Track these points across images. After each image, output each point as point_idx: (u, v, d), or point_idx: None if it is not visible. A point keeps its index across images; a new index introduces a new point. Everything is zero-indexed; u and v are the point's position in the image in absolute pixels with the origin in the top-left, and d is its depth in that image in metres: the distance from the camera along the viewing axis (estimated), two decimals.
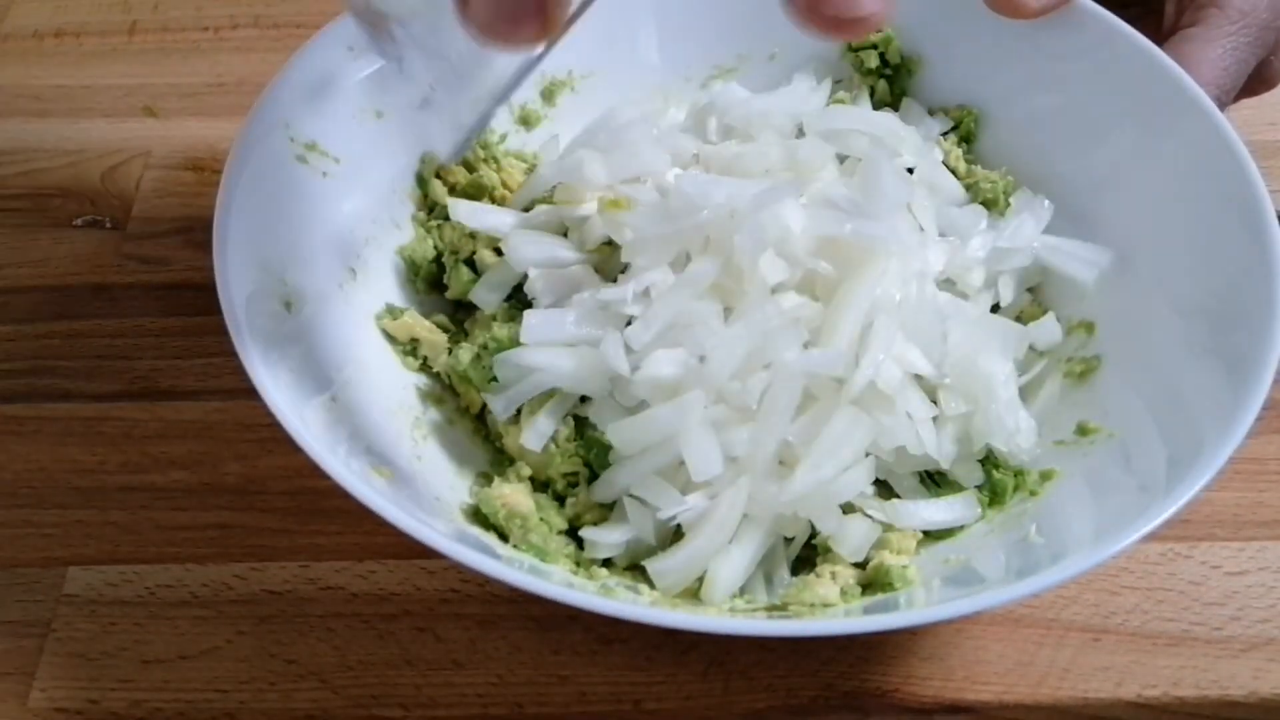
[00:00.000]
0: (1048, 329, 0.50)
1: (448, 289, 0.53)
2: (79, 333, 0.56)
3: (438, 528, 0.39)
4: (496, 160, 0.55)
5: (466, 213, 0.52)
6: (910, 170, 0.53)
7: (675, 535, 0.46)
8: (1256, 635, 0.47)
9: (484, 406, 0.49)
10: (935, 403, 0.47)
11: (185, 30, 0.69)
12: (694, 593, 0.44)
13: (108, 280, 0.58)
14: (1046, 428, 0.48)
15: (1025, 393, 0.49)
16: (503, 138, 0.57)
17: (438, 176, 0.54)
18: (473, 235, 0.52)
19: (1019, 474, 0.47)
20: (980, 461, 0.48)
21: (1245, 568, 0.48)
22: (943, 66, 0.58)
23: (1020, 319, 0.52)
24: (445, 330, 0.51)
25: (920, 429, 0.46)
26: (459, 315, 0.53)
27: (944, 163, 0.55)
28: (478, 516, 0.45)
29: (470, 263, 0.52)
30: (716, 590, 0.44)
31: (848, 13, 0.33)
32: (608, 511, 0.47)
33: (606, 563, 0.46)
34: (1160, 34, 0.54)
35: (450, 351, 0.50)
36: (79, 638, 0.46)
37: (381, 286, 0.51)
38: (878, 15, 0.33)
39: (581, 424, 0.48)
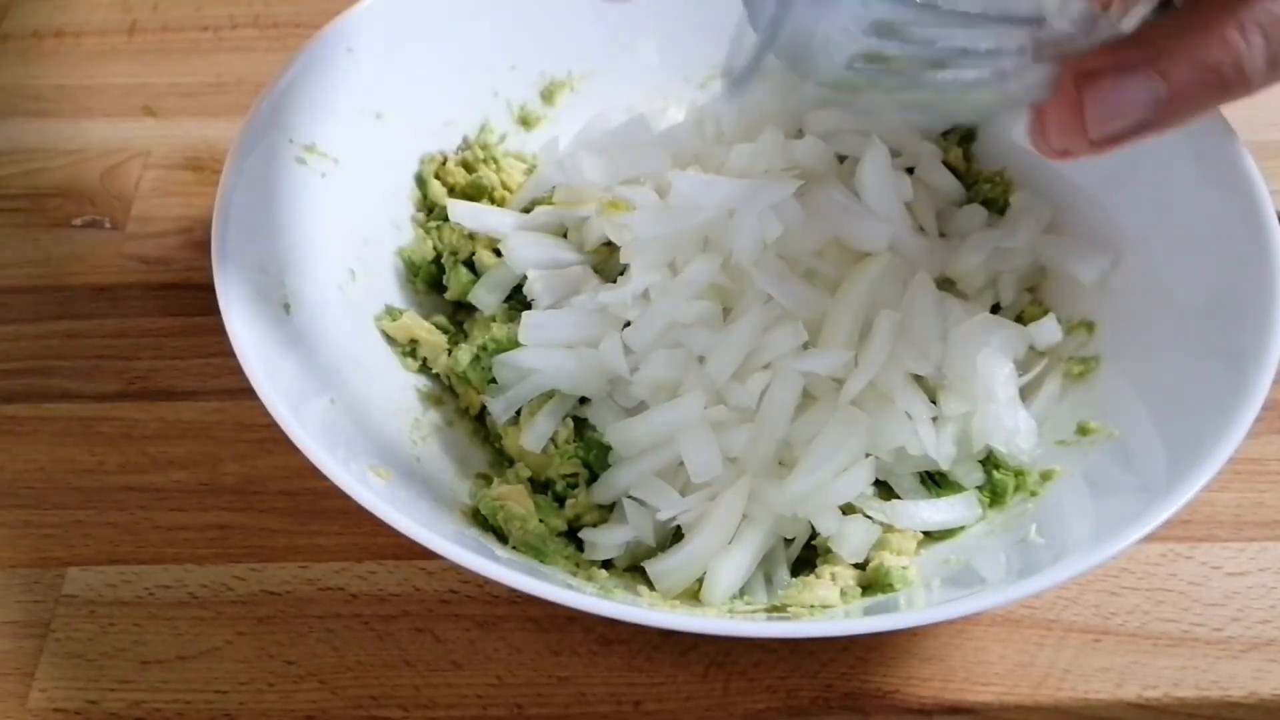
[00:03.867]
0: (1048, 329, 0.50)
1: (447, 290, 0.52)
2: (78, 333, 0.56)
3: (437, 529, 0.39)
4: (496, 161, 0.55)
5: (466, 214, 0.52)
6: (910, 170, 0.53)
7: (675, 536, 0.46)
8: (1257, 636, 0.47)
9: (483, 407, 0.49)
10: (935, 403, 0.47)
11: (185, 30, 0.69)
12: (694, 594, 0.44)
13: (107, 280, 0.58)
14: (1046, 427, 0.48)
15: (1025, 393, 0.49)
16: (502, 138, 0.57)
17: (437, 177, 0.54)
18: (472, 236, 0.52)
19: (1019, 474, 0.47)
20: (980, 462, 0.48)
21: (1245, 568, 0.48)
22: None
23: (1020, 319, 0.52)
24: (445, 331, 0.51)
25: (920, 429, 0.46)
26: (458, 316, 0.53)
27: (944, 162, 0.55)
28: (477, 518, 0.45)
29: (470, 264, 0.52)
30: (716, 591, 0.43)
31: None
32: (607, 513, 0.47)
33: (606, 564, 0.46)
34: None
35: (449, 353, 0.50)
36: (78, 638, 0.46)
37: (381, 287, 0.51)
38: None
39: (581, 425, 0.48)
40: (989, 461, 0.48)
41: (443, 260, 0.53)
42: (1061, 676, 0.45)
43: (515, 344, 0.48)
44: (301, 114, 0.49)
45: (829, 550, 0.45)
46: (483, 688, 0.45)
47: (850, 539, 0.44)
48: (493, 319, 0.50)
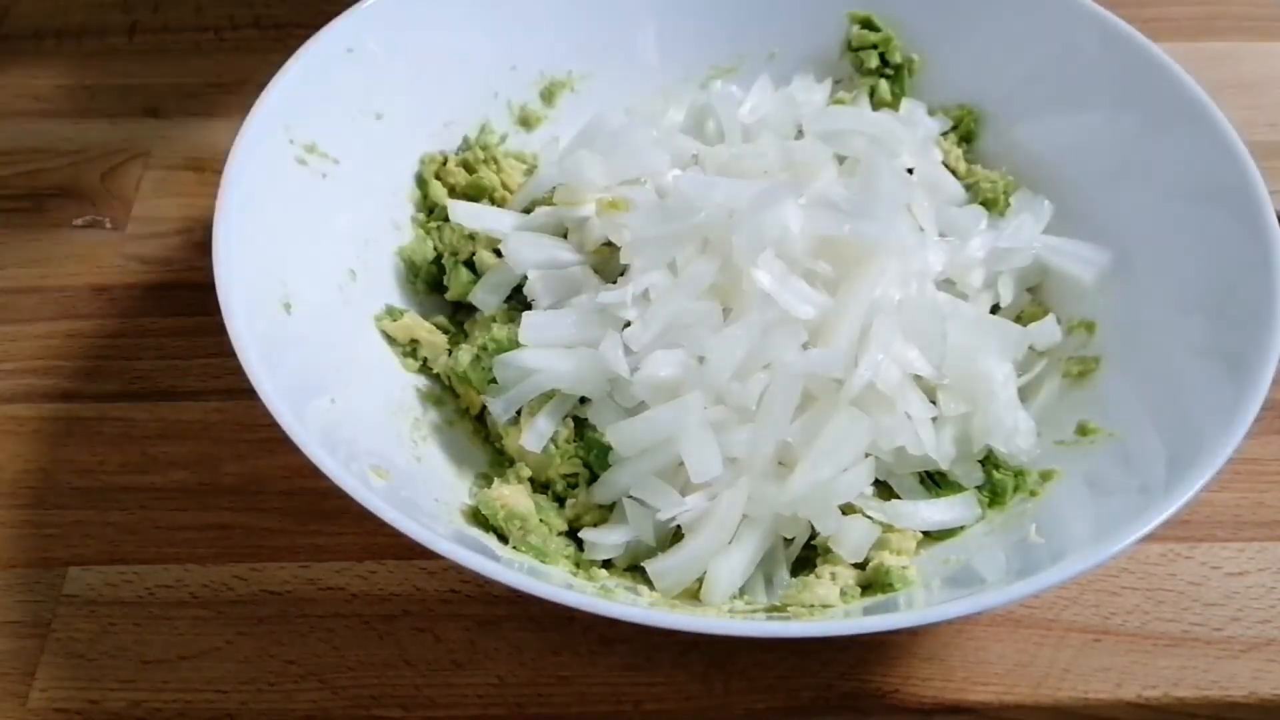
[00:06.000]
0: (1047, 329, 0.50)
1: (447, 290, 0.53)
2: (79, 333, 0.56)
3: (437, 529, 0.39)
4: (496, 161, 0.55)
5: (466, 214, 0.52)
6: (910, 170, 0.53)
7: (675, 536, 0.46)
8: (1256, 636, 0.47)
9: (484, 408, 0.49)
10: (935, 403, 0.47)
11: (185, 30, 0.69)
12: (693, 594, 0.44)
13: (108, 280, 0.58)
14: (1046, 428, 0.48)
15: (1025, 393, 0.49)
16: (503, 138, 0.57)
17: (437, 178, 0.54)
18: (472, 237, 0.52)
19: (1019, 474, 0.47)
20: (980, 462, 0.48)
21: (1245, 568, 0.48)
22: (943, 66, 0.58)
23: (1020, 319, 0.52)
24: (445, 331, 0.51)
25: (920, 429, 0.46)
26: (459, 316, 0.53)
27: (944, 163, 0.55)
28: (477, 518, 0.45)
29: (470, 264, 0.52)
30: (716, 591, 0.44)
31: None
32: (607, 513, 0.47)
33: (606, 564, 0.46)
34: None
35: (450, 353, 0.50)
36: (79, 638, 0.46)
37: (381, 288, 0.51)
38: None
39: (581, 425, 0.48)
40: (989, 461, 0.48)
41: (443, 260, 0.53)
42: (1061, 676, 0.46)
43: (515, 344, 0.48)
44: (302, 114, 0.50)
45: (829, 550, 0.45)
46: (483, 687, 0.45)
47: (850, 539, 0.44)
48: (493, 319, 0.50)
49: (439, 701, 0.45)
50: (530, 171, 0.55)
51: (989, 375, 0.47)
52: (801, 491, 0.44)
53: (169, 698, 0.45)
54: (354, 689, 0.45)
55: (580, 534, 0.46)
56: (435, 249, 0.53)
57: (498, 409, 0.48)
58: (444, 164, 0.55)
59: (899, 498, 0.47)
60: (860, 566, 0.45)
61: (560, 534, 0.46)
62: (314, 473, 0.39)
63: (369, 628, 0.47)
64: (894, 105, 0.58)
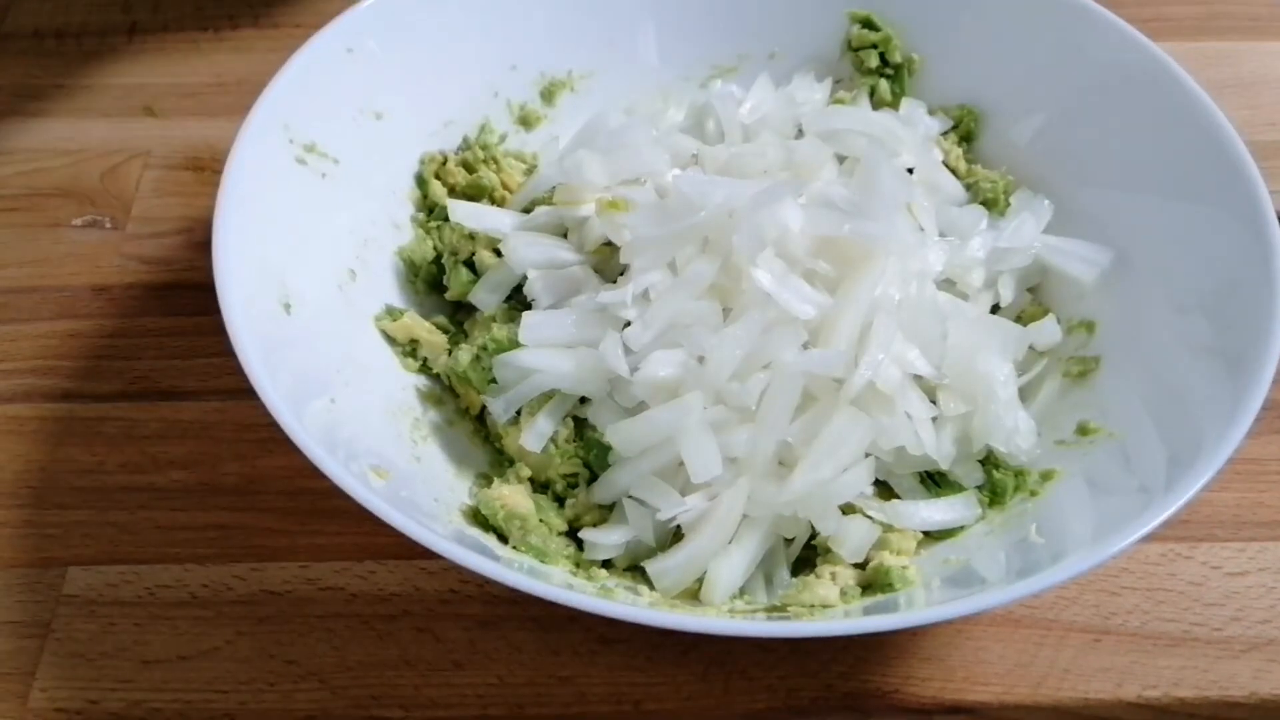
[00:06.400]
0: (1048, 329, 0.50)
1: (447, 290, 0.53)
2: (79, 333, 0.56)
3: (437, 529, 0.39)
4: (496, 161, 0.55)
5: (466, 214, 0.52)
6: (910, 170, 0.53)
7: (675, 536, 0.46)
8: (1257, 636, 0.47)
9: (484, 407, 0.49)
10: (935, 403, 0.47)
11: (185, 30, 0.69)
12: (693, 593, 0.44)
13: (107, 280, 0.58)
14: (1046, 428, 0.48)
15: (1025, 393, 0.49)
16: (502, 138, 0.57)
17: (437, 177, 0.54)
18: (472, 236, 0.52)
19: (1019, 474, 0.47)
20: (980, 462, 0.48)
21: (1245, 568, 0.48)
22: (943, 66, 0.58)
23: (1020, 319, 0.52)
24: (445, 331, 0.51)
25: (920, 429, 0.46)
26: (458, 316, 0.53)
27: (944, 162, 0.55)
28: (477, 518, 0.45)
29: (470, 264, 0.52)
30: (716, 591, 0.44)
31: None
32: (607, 513, 0.47)
33: (606, 564, 0.46)
34: None
35: (450, 353, 0.50)
36: (79, 638, 0.46)
37: (381, 287, 0.51)
38: None
39: (581, 425, 0.48)
40: (989, 461, 0.48)
41: (443, 260, 0.53)
42: (1061, 676, 0.46)
43: (515, 344, 0.48)
44: (302, 114, 0.50)
45: (829, 550, 0.45)
46: (483, 687, 0.45)
47: (850, 539, 0.44)
48: (493, 319, 0.50)
49: (439, 701, 0.45)
50: (530, 171, 0.56)
51: (989, 375, 0.47)
52: (801, 491, 0.44)
53: (169, 698, 0.45)
54: (354, 689, 0.45)
55: (580, 534, 0.46)
56: (435, 249, 0.53)
57: (498, 409, 0.48)
58: (444, 164, 0.55)
59: (899, 498, 0.47)
60: (860, 566, 0.45)
61: (560, 534, 0.46)
62: (314, 473, 0.39)
63: (369, 628, 0.47)
64: (894, 105, 0.58)
